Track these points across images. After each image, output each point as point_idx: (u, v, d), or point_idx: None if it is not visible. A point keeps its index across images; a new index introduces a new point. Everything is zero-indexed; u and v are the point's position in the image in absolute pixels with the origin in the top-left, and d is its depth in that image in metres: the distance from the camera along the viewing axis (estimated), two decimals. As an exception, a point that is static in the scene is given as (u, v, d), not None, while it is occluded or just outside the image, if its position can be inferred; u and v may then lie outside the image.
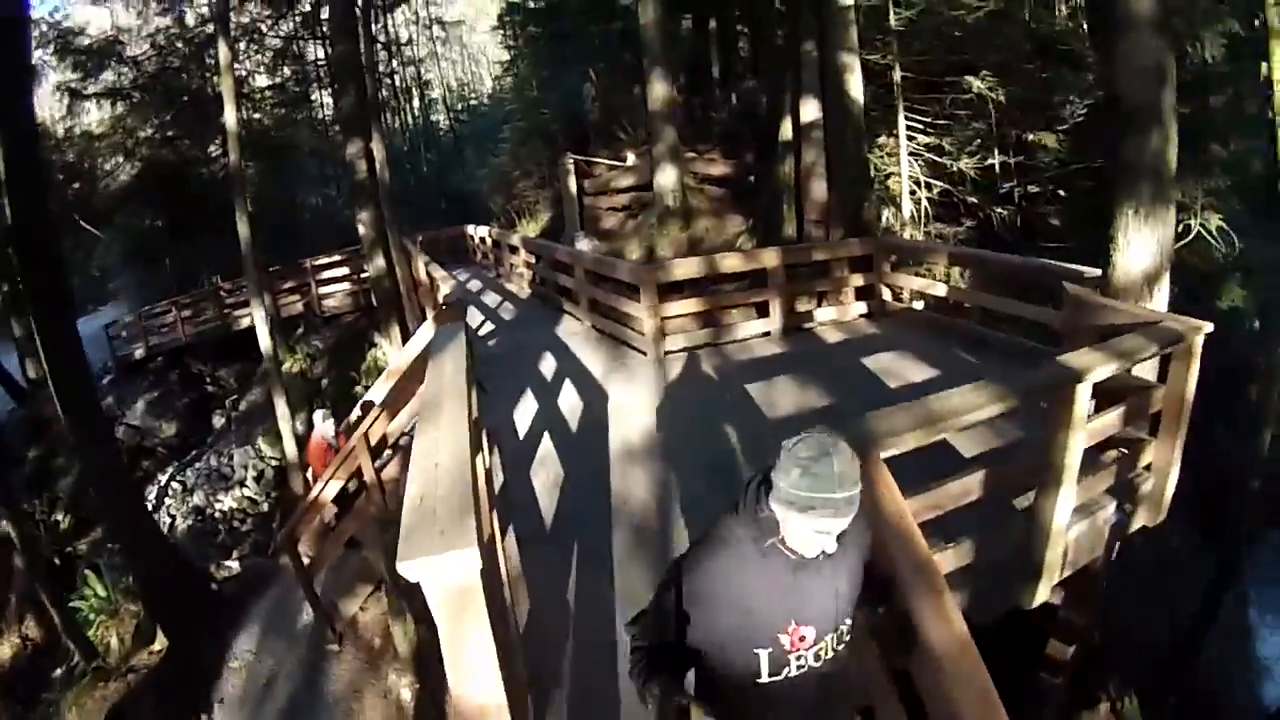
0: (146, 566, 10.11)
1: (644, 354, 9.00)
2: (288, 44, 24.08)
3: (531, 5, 23.64)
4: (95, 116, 23.28)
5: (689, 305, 9.40)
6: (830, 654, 2.22)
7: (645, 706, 2.16)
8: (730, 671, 2.17)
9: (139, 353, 20.91)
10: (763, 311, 9.38)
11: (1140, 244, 6.46)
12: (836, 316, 9.40)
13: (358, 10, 16.59)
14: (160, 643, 9.73)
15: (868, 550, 2.38)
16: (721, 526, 2.22)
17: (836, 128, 11.30)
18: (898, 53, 12.56)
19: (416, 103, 37.48)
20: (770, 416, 6.83)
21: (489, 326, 12.87)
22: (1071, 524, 4.74)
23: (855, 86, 10.69)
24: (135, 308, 22.50)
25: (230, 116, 13.75)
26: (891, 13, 12.43)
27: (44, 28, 21.69)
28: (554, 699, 3.87)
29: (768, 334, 9.11)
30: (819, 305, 10.00)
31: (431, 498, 2.60)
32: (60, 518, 16.70)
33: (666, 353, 8.90)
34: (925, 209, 12.73)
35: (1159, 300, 6.42)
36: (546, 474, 6.38)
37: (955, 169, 12.25)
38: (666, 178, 13.74)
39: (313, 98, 27.33)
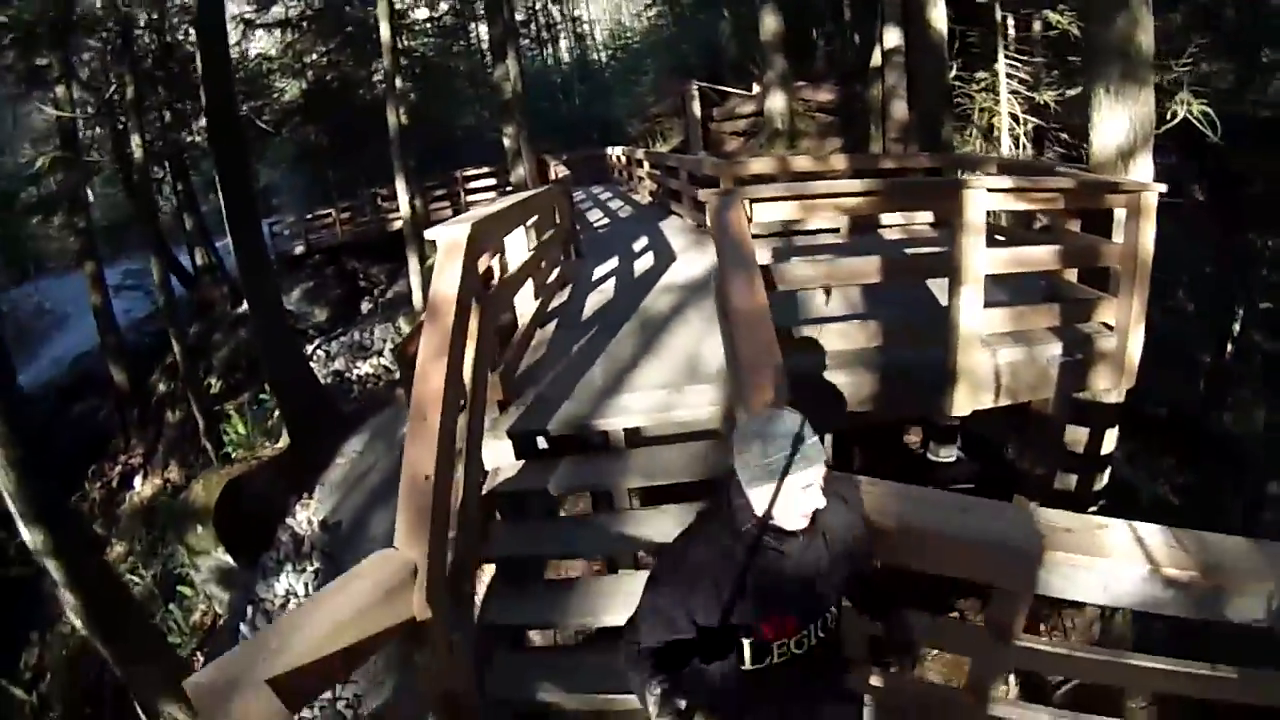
0: (289, 388, 12.11)
1: (720, 236, 9.93)
2: None
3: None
4: (267, 42, 25.42)
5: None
6: (814, 642, 2.25)
7: (646, 708, 2.12)
8: (714, 659, 2.23)
9: (299, 249, 23.28)
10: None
11: (1113, 121, 6.66)
12: (902, 222, 9.84)
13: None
14: (284, 441, 11.48)
15: (861, 554, 2.42)
16: (700, 523, 2.32)
17: (918, 53, 11.90)
18: None
19: (569, 41, 39.41)
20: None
21: (605, 221, 14.30)
22: (999, 346, 5.38)
23: (937, 17, 11.21)
24: (298, 215, 24.81)
25: (385, 31, 15.44)
26: None
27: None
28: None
29: (836, 230, 9.71)
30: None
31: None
32: (213, 382, 19.15)
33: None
34: (1024, 144, 12.90)
35: (1136, 174, 6.56)
36: (600, 296, 7.85)
37: (1043, 102, 12.44)
38: (775, 102, 14.98)
39: (470, 28, 28.97)
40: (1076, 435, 6.18)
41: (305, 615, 2.49)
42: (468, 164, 22.85)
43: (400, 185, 15.52)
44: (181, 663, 9.18)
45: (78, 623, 11.78)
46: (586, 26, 41.39)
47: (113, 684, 10.43)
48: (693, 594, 2.13)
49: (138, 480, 16.99)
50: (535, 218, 7.41)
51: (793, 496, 2.05)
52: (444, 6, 26.39)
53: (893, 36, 12.88)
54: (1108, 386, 5.80)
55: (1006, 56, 12.68)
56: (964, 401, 5.32)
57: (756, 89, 17.60)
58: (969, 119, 12.86)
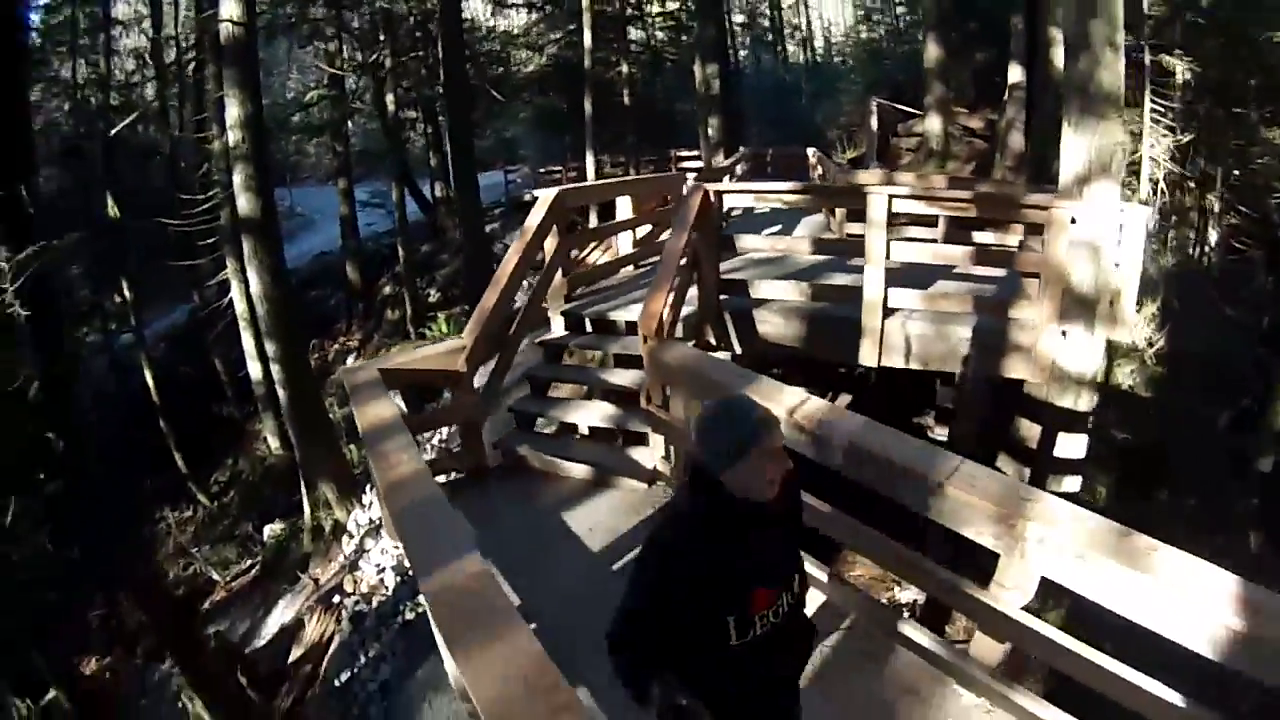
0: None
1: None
2: None
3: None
4: (517, 20, 29.09)
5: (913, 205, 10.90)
6: (787, 609, 2.28)
7: (646, 708, 2.09)
8: (701, 642, 2.20)
9: (528, 195, 26.18)
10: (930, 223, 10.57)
11: (1072, 150, 7.11)
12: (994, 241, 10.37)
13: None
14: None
15: (797, 505, 2.49)
16: (673, 506, 2.41)
17: (1039, 90, 13.13)
18: (1148, 35, 13.39)
19: (795, 45, 42.00)
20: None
21: (771, 215, 15.27)
22: (905, 317, 6.97)
23: (1059, 57, 12.38)
24: (536, 168, 28.18)
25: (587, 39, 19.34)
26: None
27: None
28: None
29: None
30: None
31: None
32: (431, 293, 22.53)
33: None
34: (1162, 188, 13.72)
35: (1092, 198, 6.93)
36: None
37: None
38: (933, 125, 16.81)
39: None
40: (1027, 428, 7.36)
41: (415, 351, 5.54)
42: (685, 145, 24.99)
43: (589, 157, 18.74)
44: (342, 458, 11.13)
45: (272, 438, 15.07)
46: (816, 30, 43.94)
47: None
48: (678, 581, 2.14)
49: (350, 358, 20.30)
50: (635, 193, 9.34)
51: (763, 467, 2.11)
52: (674, 5, 28.64)
53: (1015, 73, 14.48)
54: (1025, 374, 7.04)
55: (1153, 101, 13.62)
56: (870, 355, 6.98)
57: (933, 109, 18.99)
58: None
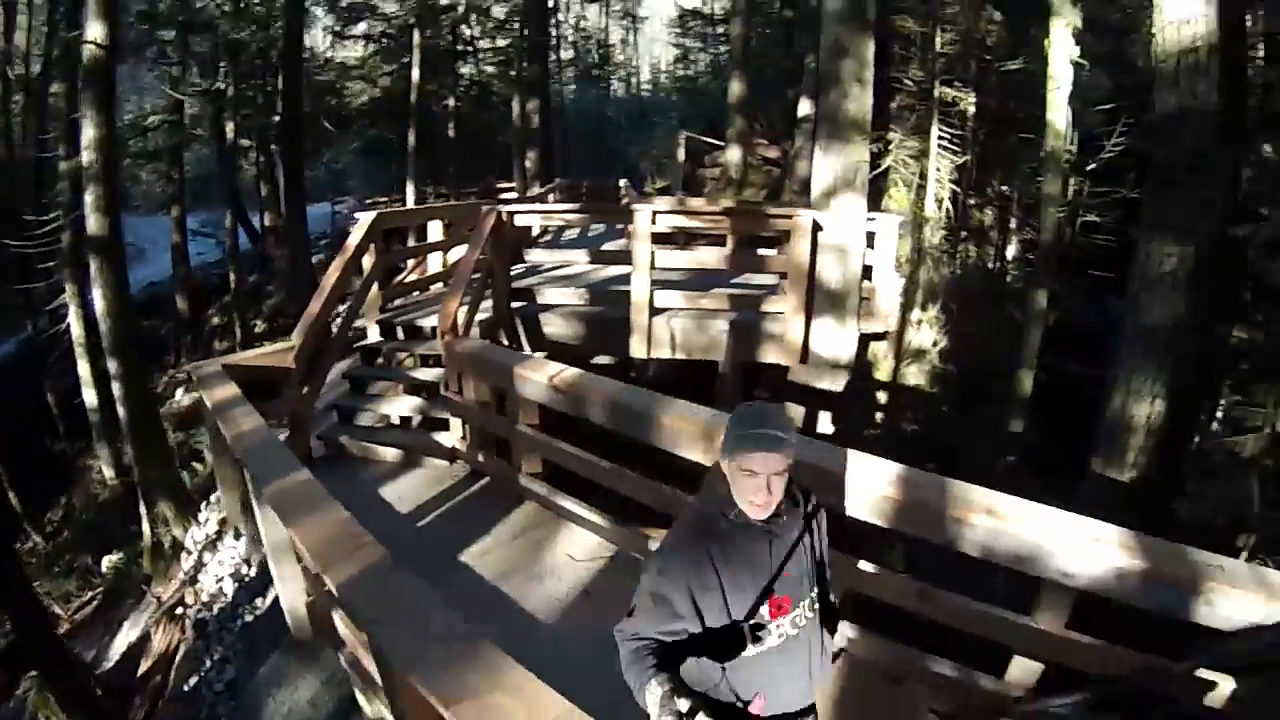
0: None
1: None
2: (506, 21, 28.40)
3: (706, 11, 28.24)
4: (354, 52, 29.39)
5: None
6: (804, 621, 2.27)
7: (645, 707, 2.06)
8: (717, 649, 2.20)
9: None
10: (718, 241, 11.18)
11: (822, 169, 7.93)
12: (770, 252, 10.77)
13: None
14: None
15: (825, 544, 2.45)
16: (690, 510, 2.36)
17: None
18: (939, 71, 15.19)
19: (617, 83, 44.44)
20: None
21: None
22: (671, 315, 8.11)
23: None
24: (362, 199, 28.70)
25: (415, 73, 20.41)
26: (938, 39, 15.22)
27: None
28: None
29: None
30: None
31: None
32: (259, 323, 22.60)
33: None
34: (948, 210, 15.48)
35: (838, 209, 7.83)
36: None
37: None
38: (732, 155, 18.03)
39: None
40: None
41: (251, 351, 6.63)
42: (506, 176, 25.54)
43: (410, 187, 19.95)
44: (179, 478, 11.01)
45: (107, 468, 15.07)
46: (643, 67, 46.39)
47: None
48: (692, 579, 2.15)
49: (180, 391, 20.16)
50: (448, 219, 10.41)
51: (745, 481, 2.13)
52: (503, 43, 29.35)
53: (805, 107, 16.12)
54: (779, 359, 8.05)
55: (940, 127, 15.23)
56: (640, 348, 8.10)
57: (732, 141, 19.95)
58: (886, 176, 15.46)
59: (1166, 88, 6.97)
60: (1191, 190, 6.92)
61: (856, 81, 7.80)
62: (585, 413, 4.81)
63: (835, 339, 8.00)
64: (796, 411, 8.13)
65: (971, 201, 15.85)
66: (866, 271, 9.09)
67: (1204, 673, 3.13)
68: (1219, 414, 9.49)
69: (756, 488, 2.13)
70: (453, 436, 6.68)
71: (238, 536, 6.86)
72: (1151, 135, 7.55)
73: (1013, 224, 16.07)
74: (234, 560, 6.66)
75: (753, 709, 2.28)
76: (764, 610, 2.21)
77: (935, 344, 14.21)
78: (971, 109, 15.35)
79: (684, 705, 1.96)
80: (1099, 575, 3.15)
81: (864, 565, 3.83)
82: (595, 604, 4.58)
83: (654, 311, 8.15)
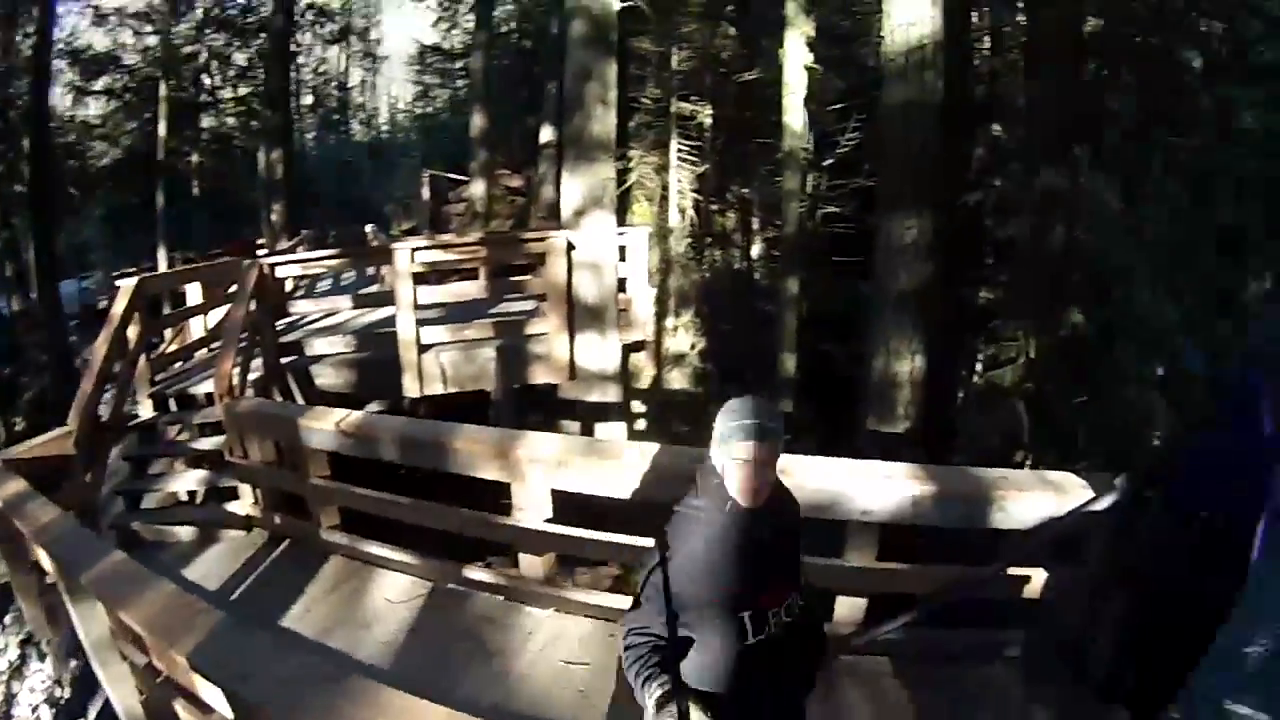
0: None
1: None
2: (249, 68, 27.77)
3: (445, 47, 28.52)
4: (94, 109, 27.55)
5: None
6: (796, 610, 2.36)
7: (644, 706, 2.14)
8: (717, 640, 2.25)
9: (103, 303, 24.89)
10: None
11: (572, 189, 8.33)
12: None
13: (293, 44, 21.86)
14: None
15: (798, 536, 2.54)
16: (687, 503, 2.40)
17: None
18: (676, 88, 16.19)
19: (358, 126, 43.80)
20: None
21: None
22: (439, 349, 8.24)
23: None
24: (110, 272, 26.96)
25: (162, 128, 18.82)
26: (675, 57, 16.17)
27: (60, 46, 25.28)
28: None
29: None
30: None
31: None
32: (18, 420, 20.81)
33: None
34: (692, 218, 16.55)
35: (588, 227, 8.20)
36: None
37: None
38: (477, 189, 18.34)
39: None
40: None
41: (24, 444, 5.95)
42: (255, 232, 24.40)
43: (161, 251, 19.24)
44: None
45: None
46: (383, 108, 45.89)
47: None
48: (691, 570, 2.21)
49: None
50: (208, 280, 10.01)
51: (735, 470, 2.21)
52: (244, 90, 28.66)
53: (547, 133, 16.82)
54: (549, 379, 8.38)
55: (679, 143, 16.18)
56: (413, 386, 8.16)
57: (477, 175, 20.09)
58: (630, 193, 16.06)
59: (896, 82, 7.94)
60: (920, 170, 7.65)
61: (601, 103, 8.23)
62: (378, 453, 4.90)
63: (599, 352, 8.39)
64: (572, 426, 8.56)
65: (714, 207, 16.88)
66: (621, 284, 9.54)
67: (1014, 570, 3.55)
68: (978, 365, 10.52)
69: (747, 475, 2.21)
70: (245, 504, 6.38)
71: (42, 657, 6.20)
72: (881, 125, 8.34)
73: (755, 224, 17.15)
74: (45, 685, 6.09)
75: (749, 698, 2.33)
76: (762, 600, 2.29)
77: (693, 346, 15.27)
78: (709, 120, 16.34)
79: (683, 705, 2.05)
80: (896, 507, 3.62)
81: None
82: (424, 640, 4.60)
83: (422, 348, 8.22)
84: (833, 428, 10.59)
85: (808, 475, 3.67)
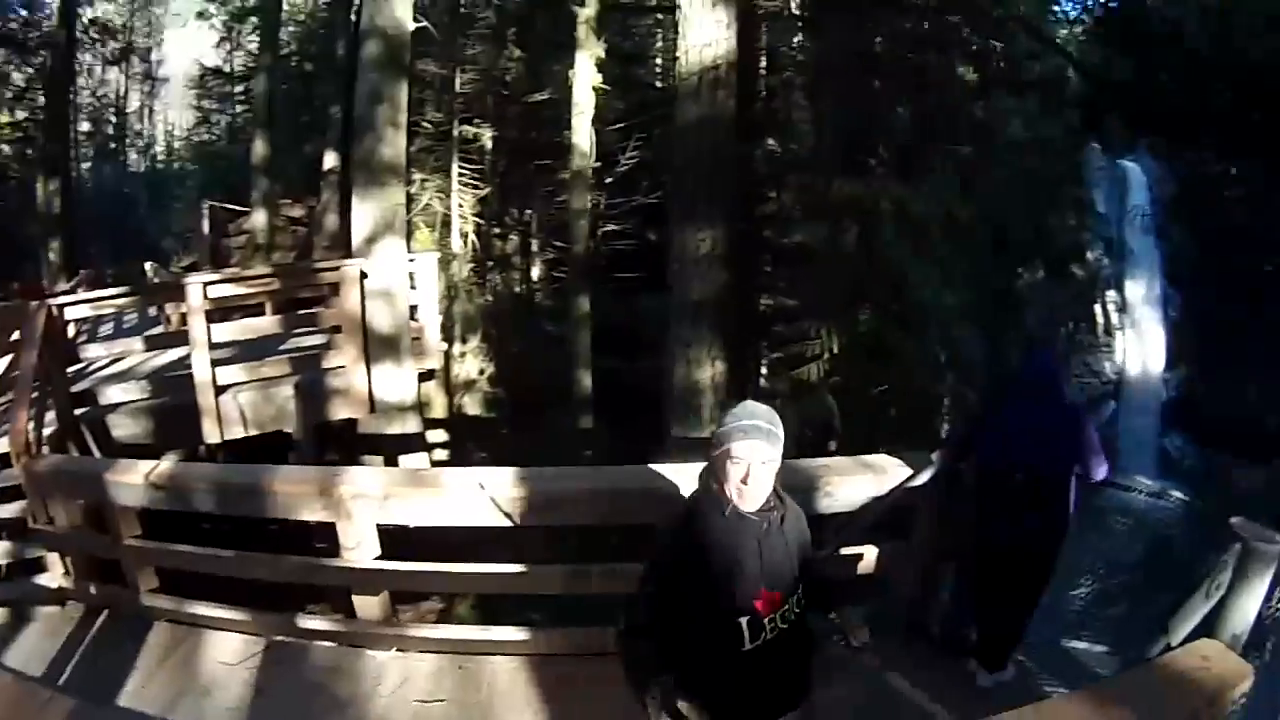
0: None
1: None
2: (26, 89, 25.87)
3: (226, 70, 27.41)
4: None
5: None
6: (793, 616, 2.34)
7: (644, 707, 2.18)
8: (715, 644, 2.26)
9: None
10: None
11: (362, 216, 8.02)
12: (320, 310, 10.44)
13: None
14: None
15: (808, 546, 2.55)
16: (688, 504, 2.46)
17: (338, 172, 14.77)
18: (458, 111, 16.19)
19: (135, 155, 41.12)
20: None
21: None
22: (237, 390, 7.74)
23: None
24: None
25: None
26: (459, 79, 16.17)
27: None
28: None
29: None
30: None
31: None
32: None
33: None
34: (474, 243, 16.51)
35: (380, 254, 7.93)
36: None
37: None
38: (258, 219, 17.36)
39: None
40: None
41: None
42: (33, 273, 22.67)
43: None
44: None
45: None
46: (159, 135, 43.21)
47: None
48: (688, 570, 2.24)
49: None
50: None
51: (732, 471, 2.22)
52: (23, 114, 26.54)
53: (330, 159, 16.22)
54: (349, 413, 8.11)
55: (460, 167, 16.10)
56: (213, 432, 7.61)
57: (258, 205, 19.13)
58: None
59: (689, 100, 8.14)
60: (713, 183, 8.01)
61: (392, 126, 8.04)
62: (193, 504, 4.55)
63: (396, 383, 8.19)
64: (375, 462, 8.22)
65: (496, 231, 17.05)
66: (413, 311, 9.32)
67: (846, 550, 3.78)
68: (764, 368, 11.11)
69: (741, 474, 2.21)
70: (55, 575, 5.53)
71: None
72: (674, 141, 8.64)
73: (534, 247, 17.35)
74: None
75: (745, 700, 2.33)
76: (759, 604, 2.27)
77: (482, 372, 15.20)
78: (490, 143, 16.44)
79: (680, 704, 2.12)
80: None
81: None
82: (272, 700, 4.33)
83: (219, 390, 7.68)
84: (632, 440, 10.74)
85: (630, 483, 3.87)
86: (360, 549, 4.26)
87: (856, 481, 3.90)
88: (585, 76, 12.61)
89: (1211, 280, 23.54)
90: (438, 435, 13.00)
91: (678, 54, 8.42)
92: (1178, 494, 7.64)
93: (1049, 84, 16.39)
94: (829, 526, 3.93)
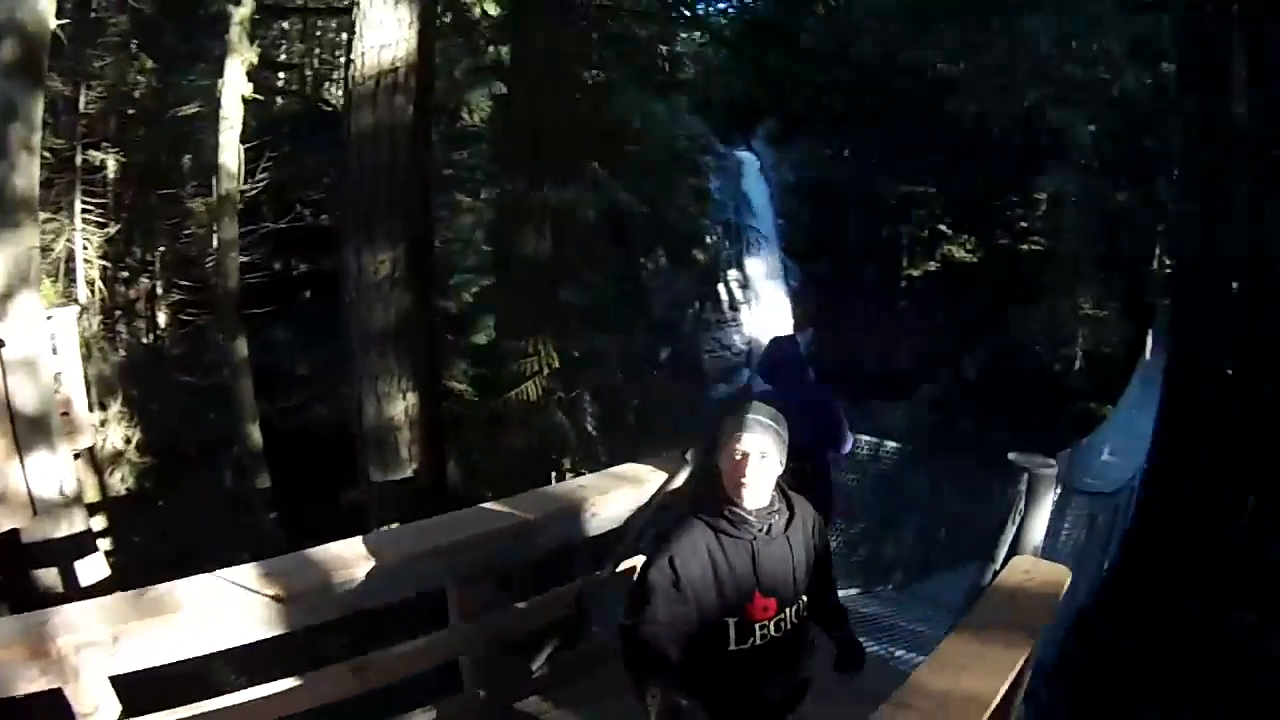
0: None
1: None
2: None
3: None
4: None
5: None
6: (789, 626, 2.36)
7: (643, 706, 2.16)
8: (702, 642, 2.28)
9: None
10: None
11: None
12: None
13: None
14: None
15: (822, 548, 2.56)
16: (690, 505, 2.46)
17: None
18: (80, 134, 13.47)
19: None
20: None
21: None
22: None
23: None
24: None
25: None
26: (83, 97, 13.44)
27: None
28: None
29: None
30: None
31: None
32: None
33: None
34: (100, 290, 13.73)
35: (19, 315, 6.13)
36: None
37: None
38: None
39: None
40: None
41: None
42: None
43: None
44: None
45: None
46: None
47: None
48: (688, 570, 2.22)
49: None
50: None
51: (735, 466, 2.22)
52: None
53: None
54: (10, 524, 5.98)
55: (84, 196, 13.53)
56: None
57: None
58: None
59: (365, 108, 7.65)
60: (392, 198, 7.70)
61: (25, 150, 6.31)
62: None
63: (54, 473, 6.44)
64: (49, 578, 6.47)
65: (124, 274, 14.82)
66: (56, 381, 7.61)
67: (625, 565, 3.75)
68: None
69: (740, 468, 2.20)
70: None
71: None
72: (351, 154, 8.15)
73: (158, 289, 15.21)
74: None
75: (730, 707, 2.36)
76: (749, 609, 2.26)
77: (129, 440, 13.16)
78: (115, 173, 14.41)
79: (681, 701, 2.10)
80: (508, 554, 3.65)
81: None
82: None
83: None
84: (321, 492, 10.39)
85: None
86: (99, 713, 2.89)
87: (618, 496, 3.81)
88: (235, 85, 11.40)
89: (826, 249, 27.06)
90: (96, 524, 11.32)
91: (353, 56, 7.68)
92: (891, 444, 8.58)
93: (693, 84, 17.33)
94: (606, 546, 3.80)
